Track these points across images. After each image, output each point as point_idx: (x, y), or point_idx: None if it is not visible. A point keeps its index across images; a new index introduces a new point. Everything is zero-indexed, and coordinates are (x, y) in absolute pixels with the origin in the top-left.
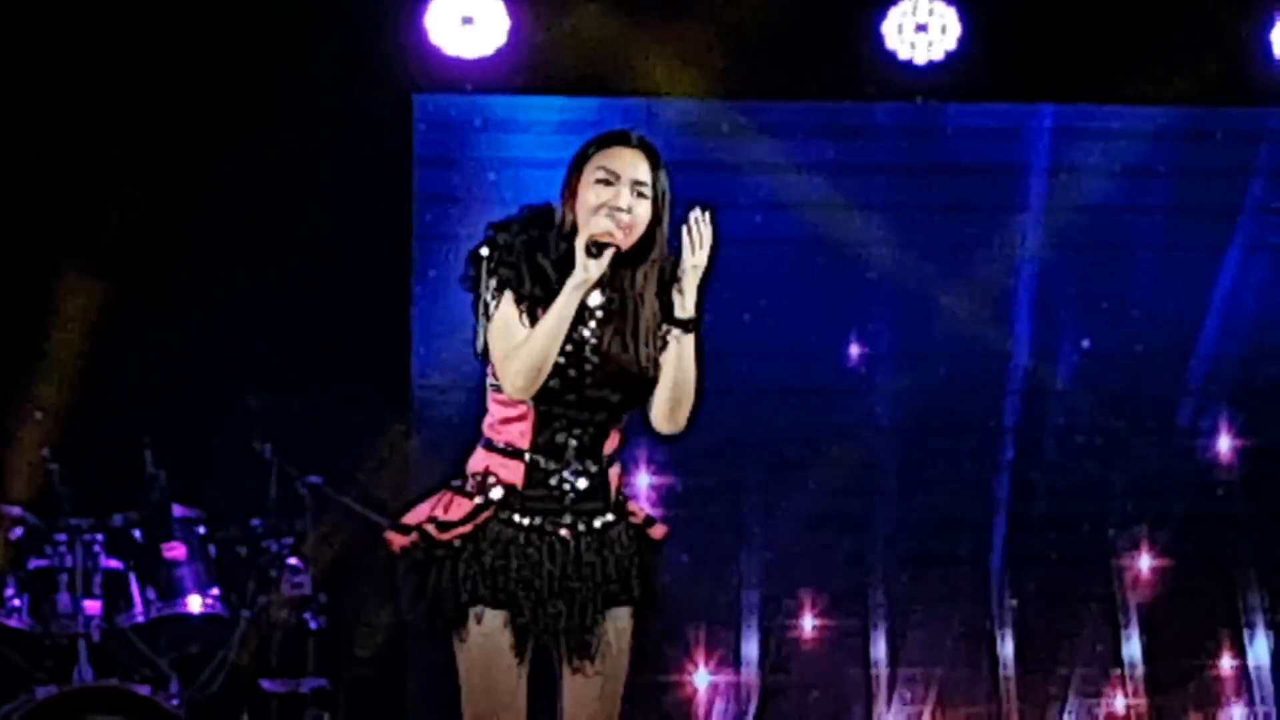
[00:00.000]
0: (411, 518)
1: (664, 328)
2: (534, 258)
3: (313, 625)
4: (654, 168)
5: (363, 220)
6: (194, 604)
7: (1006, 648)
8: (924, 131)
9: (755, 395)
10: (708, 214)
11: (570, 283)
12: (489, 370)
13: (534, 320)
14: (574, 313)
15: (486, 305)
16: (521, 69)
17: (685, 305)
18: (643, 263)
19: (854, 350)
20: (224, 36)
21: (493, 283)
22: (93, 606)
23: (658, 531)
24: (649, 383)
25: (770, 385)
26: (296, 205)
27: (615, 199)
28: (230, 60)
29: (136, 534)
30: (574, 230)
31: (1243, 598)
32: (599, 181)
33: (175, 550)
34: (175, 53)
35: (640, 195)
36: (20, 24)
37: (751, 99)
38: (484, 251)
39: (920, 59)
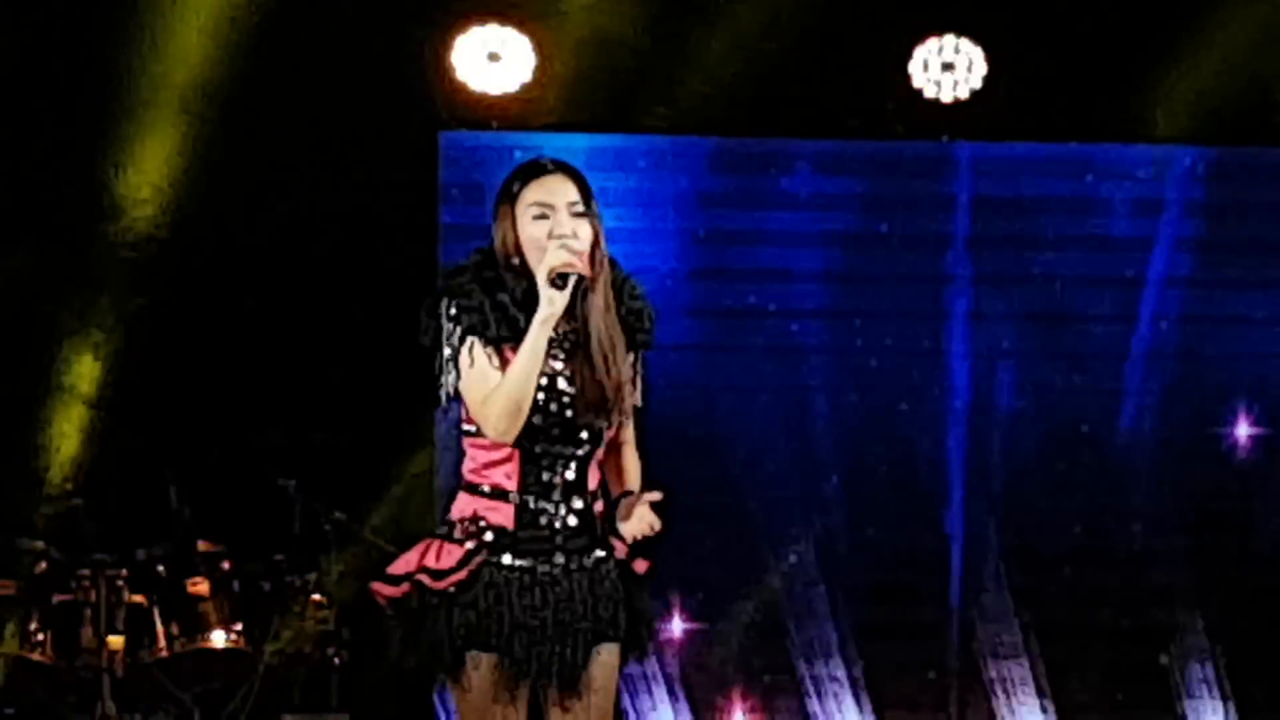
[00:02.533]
0: (399, 568)
1: (630, 356)
2: (494, 299)
3: (336, 661)
4: (580, 187)
5: (389, 256)
6: (218, 639)
7: None
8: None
9: None
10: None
11: (537, 318)
12: (462, 417)
13: (504, 361)
14: (545, 347)
15: (454, 353)
16: (547, 106)
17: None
18: (594, 285)
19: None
20: (250, 73)
21: (457, 330)
22: (116, 641)
23: (640, 566)
24: (620, 400)
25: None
26: (323, 241)
27: (558, 228)
28: (257, 96)
29: (160, 568)
30: (524, 268)
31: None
32: (536, 217)
33: (199, 585)
34: (200, 85)
35: (577, 216)
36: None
37: (778, 136)
38: (443, 302)
39: (946, 97)
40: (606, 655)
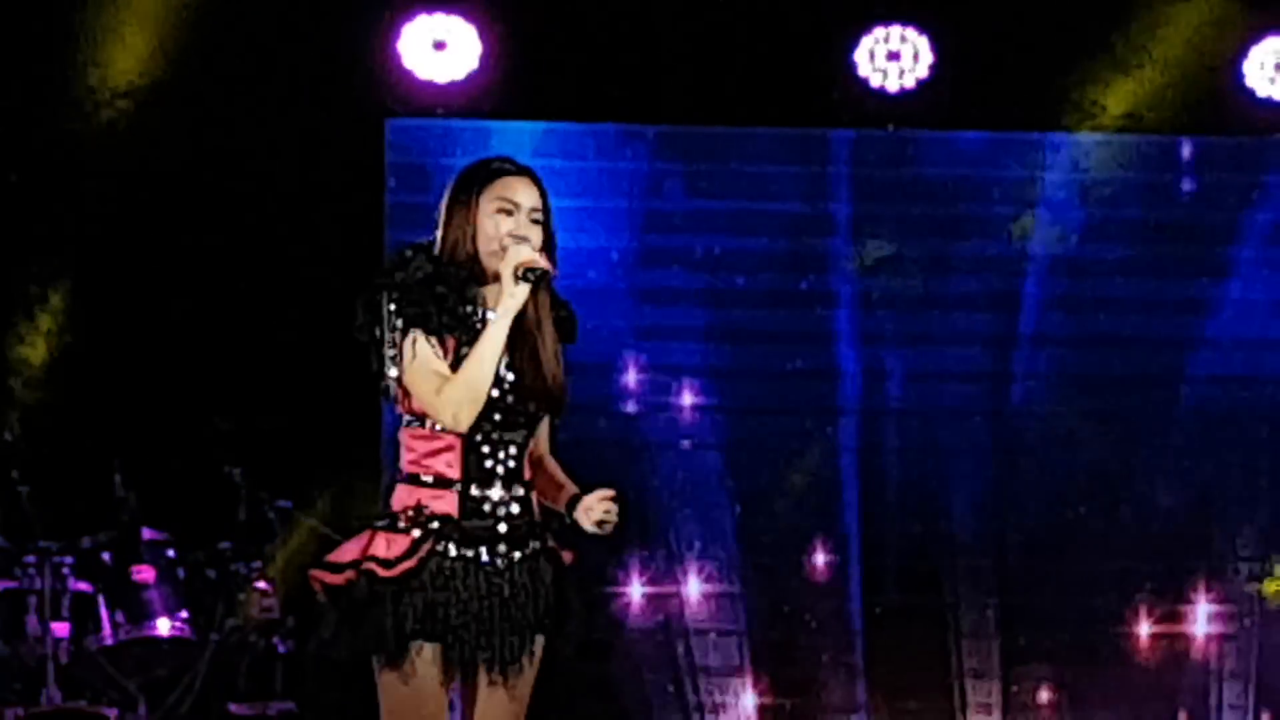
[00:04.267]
0: (342, 556)
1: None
2: (434, 291)
3: (280, 649)
4: (542, 194)
5: (334, 243)
6: (162, 627)
7: None
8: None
9: None
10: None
11: (501, 310)
12: (401, 408)
13: (447, 352)
14: (505, 338)
15: (394, 346)
16: (493, 94)
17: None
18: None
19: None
20: (197, 58)
21: (399, 323)
22: (61, 628)
23: (567, 556)
24: (559, 392)
25: None
26: (268, 227)
27: (516, 228)
28: (203, 81)
29: (105, 556)
30: (473, 260)
31: None
32: (500, 211)
33: (144, 573)
34: (148, 72)
35: (534, 222)
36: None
37: (724, 125)
38: (382, 295)
39: (892, 87)
40: (537, 646)
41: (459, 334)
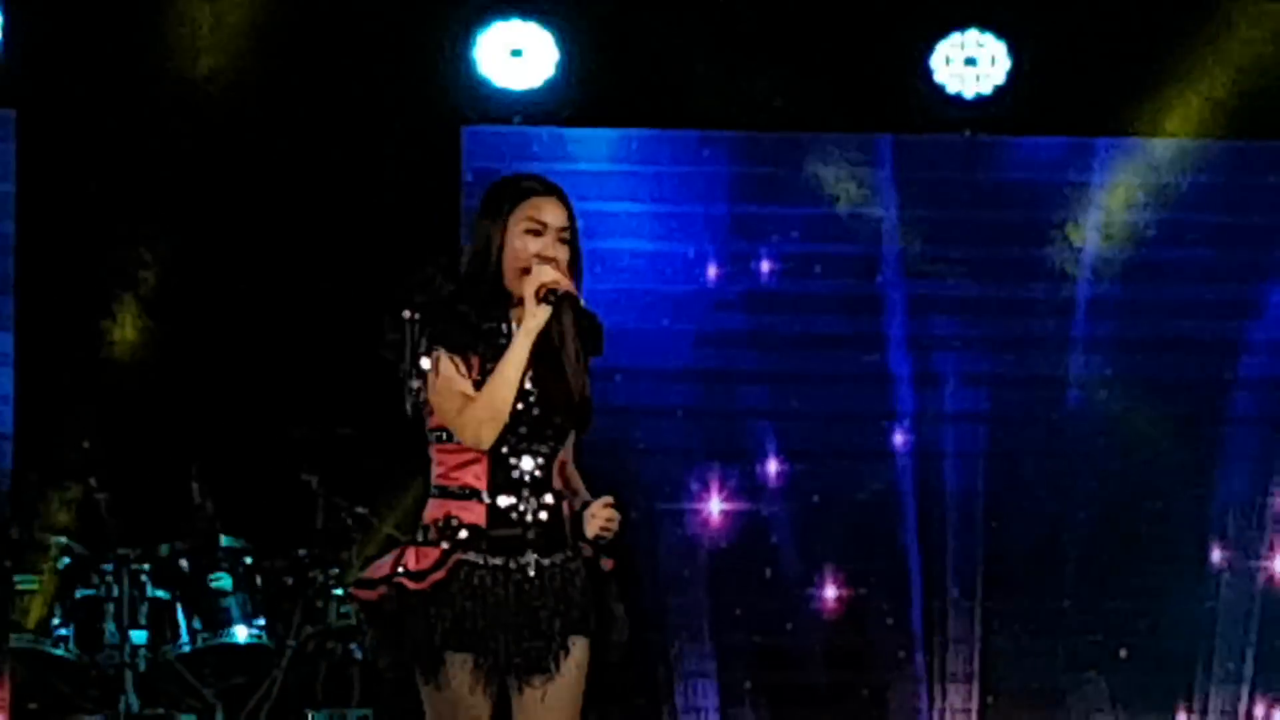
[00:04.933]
0: (375, 572)
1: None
2: (457, 309)
3: (358, 655)
4: (570, 215)
5: (411, 251)
6: (240, 634)
7: None
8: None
9: None
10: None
11: (524, 329)
12: (428, 424)
13: (470, 369)
14: (527, 357)
15: (417, 364)
16: (570, 101)
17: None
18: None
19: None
20: (275, 69)
21: (424, 341)
22: (139, 636)
23: (608, 564)
24: (584, 405)
25: None
26: (346, 235)
27: (544, 249)
28: (280, 90)
29: (183, 563)
30: (500, 276)
31: None
32: (528, 231)
33: (221, 580)
34: (225, 85)
35: (561, 241)
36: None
37: (802, 131)
38: (406, 313)
39: (969, 92)
40: (577, 650)
41: (483, 351)
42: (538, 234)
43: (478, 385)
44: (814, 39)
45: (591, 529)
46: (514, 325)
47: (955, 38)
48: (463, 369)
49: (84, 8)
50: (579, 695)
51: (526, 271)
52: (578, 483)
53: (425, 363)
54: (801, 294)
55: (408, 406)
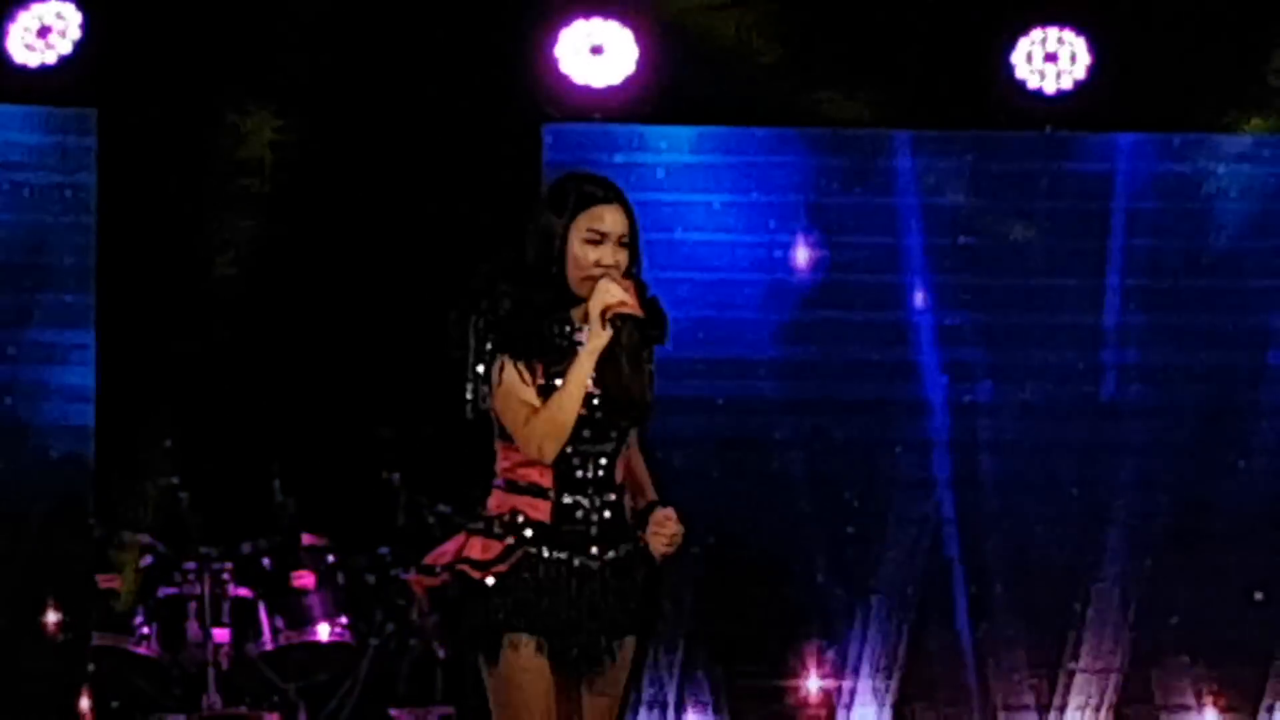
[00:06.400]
0: (436, 559)
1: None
2: (522, 315)
3: (440, 653)
4: (631, 220)
5: (492, 250)
6: (322, 632)
7: None
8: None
9: None
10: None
11: (588, 348)
12: (496, 423)
13: (534, 375)
14: (589, 374)
15: (484, 368)
16: (650, 98)
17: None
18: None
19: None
20: (355, 67)
21: (488, 347)
22: (221, 634)
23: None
24: (644, 406)
25: None
26: (427, 233)
27: (604, 257)
28: (362, 88)
29: (265, 562)
30: (562, 280)
31: None
32: (588, 241)
33: (304, 578)
34: (306, 82)
35: (621, 247)
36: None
37: (882, 127)
38: (468, 322)
39: (1050, 88)
40: (627, 645)
41: (547, 357)
42: (597, 243)
43: (540, 390)
44: (894, 36)
45: (657, 547)
46: (576, 324)
47: (1036, 34)
48: (526, 376)
49: (163, 6)
50: (621, 691)
51: (589, 278)
52: (642, 473)
53: (491, 369)
54: (876, 285)
55: (467, 410)
